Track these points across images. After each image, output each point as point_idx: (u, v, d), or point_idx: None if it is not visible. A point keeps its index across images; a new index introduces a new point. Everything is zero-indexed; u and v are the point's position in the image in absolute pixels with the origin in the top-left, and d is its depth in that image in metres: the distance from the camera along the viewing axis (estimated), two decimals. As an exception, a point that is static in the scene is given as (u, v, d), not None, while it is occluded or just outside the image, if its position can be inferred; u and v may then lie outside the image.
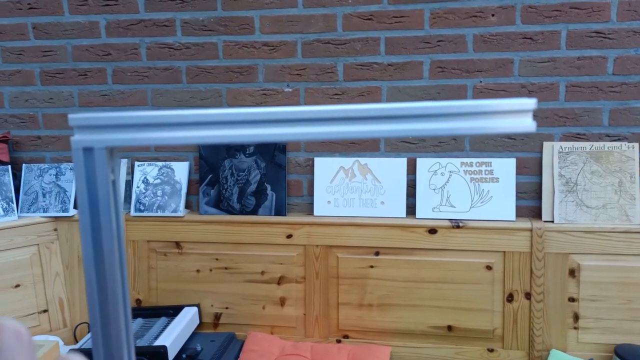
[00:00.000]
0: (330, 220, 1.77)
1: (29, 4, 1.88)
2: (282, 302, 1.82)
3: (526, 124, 0.37)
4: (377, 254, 1.75)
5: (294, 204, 1.86)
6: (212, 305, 1.86)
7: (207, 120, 0.38)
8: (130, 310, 0.46)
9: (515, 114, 0.37)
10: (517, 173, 1.71)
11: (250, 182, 1.83)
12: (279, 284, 1.82)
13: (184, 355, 1.63)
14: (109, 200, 0.39)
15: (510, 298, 1.69)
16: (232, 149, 1.85)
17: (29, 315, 1.83)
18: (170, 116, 0.38)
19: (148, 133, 0.39)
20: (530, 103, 0.37)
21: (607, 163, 1.65)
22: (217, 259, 1.83)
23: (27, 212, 1.87)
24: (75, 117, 0.38)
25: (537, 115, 1.69)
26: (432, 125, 0.38)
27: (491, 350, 1.72)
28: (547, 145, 1.68)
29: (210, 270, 1.84)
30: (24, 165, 1.92)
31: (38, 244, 1.86)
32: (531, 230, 1.64)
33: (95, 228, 0.39)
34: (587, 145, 1.66)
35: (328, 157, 1.82)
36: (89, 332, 1.82)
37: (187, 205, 1.90)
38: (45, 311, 1.86)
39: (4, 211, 1.82)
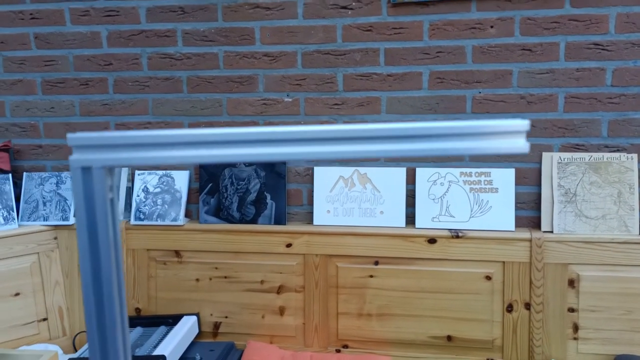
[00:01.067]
0: (329, 230, 1.77)
1: (31, 14, 1.89)
2: (282, 311, 1.82)
3: (519, 145, 0.38)
4: (376, 263, 1.75)
5: (294, 213, 1.87)
6: (211, 315, 1.86)
7: (205, 139, 0.39)
8: (127, 322, 0.46)
9: (509, 135, 0.38)
10: (517, 183, 1.71)
11: (250, 191, 1.84)
12: (278, 293, 1.82)
13: (183, 365, 1.63)
14: (107, 219, 0.39)
15: (509, 308, 1.69)
16: (232, 159, 1.85)
17: (29, 323, 1.83)
18: (168, 136, 0.39)
19: (146, 152, 0.39)
20: (524, 124, 0.38)
21: (606, 174, 1.65)
22: (216, 268, 1.84)
23: (28, 221, 1.88)
24: (74, 136, 0.39)
25: (535, 125, 1.70)
26: (426, 146, 0.38)
27: (490, 361, 1.72)
28: (546, 155, 1.69)
29: (210, 279, 1.84)
30: (24, 173, 1.93)
31: (38, 253, 1.86)
32: (530, 240, 1.65)
33: (94, 246, 0.40)
34: (586, 156, 1.66)
35: (328, 166, 1.82)
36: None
37: (187, 214, 1.91)
38: (44, 320, 1.86)
39: (4, 220, 1.83)
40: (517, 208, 1.72)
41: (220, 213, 1.85)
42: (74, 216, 1.88)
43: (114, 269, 0.40)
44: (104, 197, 0.39)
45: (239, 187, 1.84)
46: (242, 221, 1.83)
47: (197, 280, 1.85)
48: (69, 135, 0.39)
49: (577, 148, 1.69)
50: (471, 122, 0.37)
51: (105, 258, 0.39)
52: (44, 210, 1.89)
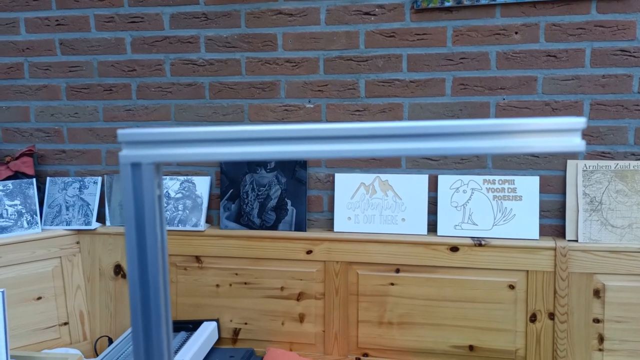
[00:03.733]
0: (350, 237, 1.76)
1: (56, 20, 1.92)
2: (302, 318, 1.81)
3: (574, 143, 0.37)
4: (397, 271, 1.74)
5: (314, 220, 1.86)
6: (231, 321, 1.86)
7: (254, 136, 0.38)
8: (171, 321, 0.46)
9: (563, 133, 0.37)
10: (541, 191, 1.69)
11: (271, 197, 1.83)
12: (298, 300, 1.81)
13: (203, 371, 1.62)
14: (154, 215, 0.39)
15: (533, 318, 1.66)
16: (253, 164, 1.86)
17: (50, 327, 1.84)
18: (217, 132, 0.38)
19: (195, 149, 0.39)
20: (580, 122, 0.37)
21: (632, 182, 1.62)
22: (236, 274, 1.83)
23: (51, 225, 1.89)
24: (124, 132, 0.39)
25: (561, 133, 1.68)
26: (478, 144, 0.37)
27: (514, 372, 1.69)
28: (571, 163, 1.67)
29: (230, 285, 1.84)
30: (48, 178, 1.95)
31: (60, 257, 1.87)
32: (555, 249, 1.62)
33: (141, 242, 0.40)
34: (612, 164, 1.64)
35: (349, 173, 1.81)
36: (109, 345, 1.83)
37: (208, 220, 1.91)
38: (66, 324, 1.87)
39: (28, 224, 1.84)
40: (541, 216, 1.69)
41: (241, 219, 1.85)
42: (99, 210, 1.89)
43: (160, 265, 0.40)
44: (153, 194, 0.39)
45: (259, 193, 1.84)
46: (262, 227, 1.83)
47: (217, 286, 1.85)
48: (119, 132, 0.39)
49: (602, 156, 1.67)
50: (525, 120, 0.36)
51: (152, 254, 0.39)
52: (67, 214, 1.90)
